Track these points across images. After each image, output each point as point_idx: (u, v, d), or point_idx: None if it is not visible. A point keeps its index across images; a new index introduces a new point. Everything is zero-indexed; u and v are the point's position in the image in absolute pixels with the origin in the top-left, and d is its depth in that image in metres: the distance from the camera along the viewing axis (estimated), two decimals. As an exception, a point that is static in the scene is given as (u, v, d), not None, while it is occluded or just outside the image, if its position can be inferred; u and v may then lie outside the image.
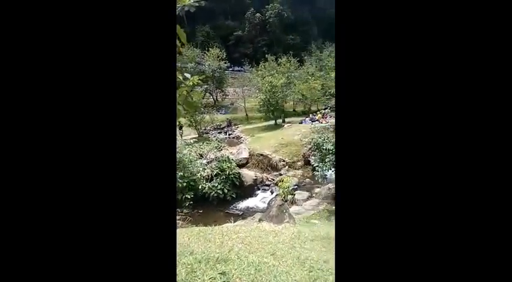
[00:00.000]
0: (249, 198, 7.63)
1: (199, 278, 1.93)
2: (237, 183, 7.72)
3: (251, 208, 7.07)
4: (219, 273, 2.00)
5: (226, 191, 7.23)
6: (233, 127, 15.76)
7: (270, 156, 9.40)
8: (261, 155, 9.53)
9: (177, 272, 2.00)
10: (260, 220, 4.53)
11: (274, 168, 9.17)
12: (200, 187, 7.06)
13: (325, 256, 2.40)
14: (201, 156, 8.24)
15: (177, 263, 2.13)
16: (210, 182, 7.25)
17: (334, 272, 1.86)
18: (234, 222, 4.75)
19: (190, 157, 7.42)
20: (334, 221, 4.71)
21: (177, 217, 5.42)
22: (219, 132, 14.93)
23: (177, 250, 2.33)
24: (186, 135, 12.61)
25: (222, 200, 7.18)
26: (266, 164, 9.31)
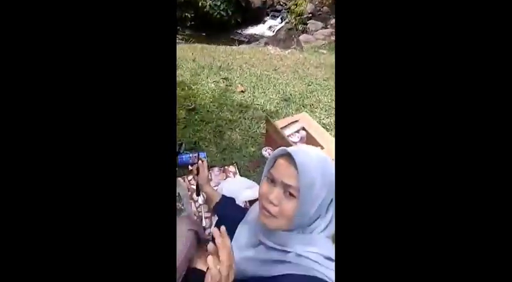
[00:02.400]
0: (256, 25, 6.95)
1: (203, 80, 2.04)
2: (243, 4, 6.70)
3: (257, 35, 6.61)
4: (221, 78, 2.09)
5: (230, 13, 6.42)
6: None
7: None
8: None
9: (182, 74, 2.10)
10: (266, 43, 4.32)
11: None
12: (200, 4, 6.18)
13: (325, 76, 2.44)
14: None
15: (181, 67, 2.18)
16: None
17: (333, 88, 1.88)
18: (238, 45, 4.57)
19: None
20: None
21: (179, 37, 5.12)
22: None
23: (179, 57, 2.33)
24: None
25: (226, 23, 6.55)
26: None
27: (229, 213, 0.92)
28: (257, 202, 0.63)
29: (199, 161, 0.97)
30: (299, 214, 0.54)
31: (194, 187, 1.39)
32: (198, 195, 1.07)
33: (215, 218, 1.27)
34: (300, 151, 0.57)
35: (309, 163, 0.54)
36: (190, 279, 0.99)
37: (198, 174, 0.97)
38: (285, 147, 0.58)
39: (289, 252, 0.55)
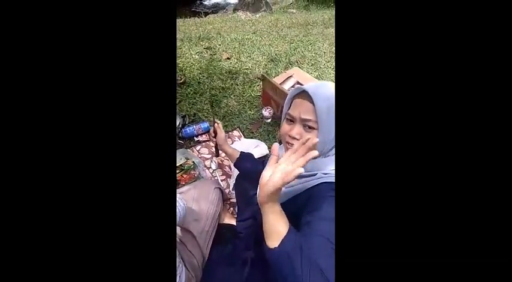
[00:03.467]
0: (218, -7, 6.53)
1: (186, 53, 1.98)
2: (200, -30, 6.21)
3: (221, 3, 6.25)
4: (204, 48, 2.04)
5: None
6: None
7: None
8: None
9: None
10: (235, 10, 4.14)
11: None
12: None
13: (300, 34, 2.43)
14: None
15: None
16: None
17: (314, 43, 1.88)
18: (205, 16, 4.34)
19: None
20: (311, 10, 4.46)
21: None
22: None
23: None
24: None
25: (186, -6, 6.09)
26: None
27: (249, 166, 0.98)
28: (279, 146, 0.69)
29: (215, 124, 1.01)
30: (320, 142, 0.59)
31: (205, 156, 1.44)
32: (217, 156, 1.11)
33: (231, 181, 1.34)
34: (314, 85, 0.61)
35: (323, 94, 0.58)
36: (221, 233, 1.08)
37: (215, 136, 1.01)
38: (299, 86, 0.62)
39: (315, 173, 0.61)
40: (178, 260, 0.79)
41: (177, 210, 0.76)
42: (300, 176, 0.65)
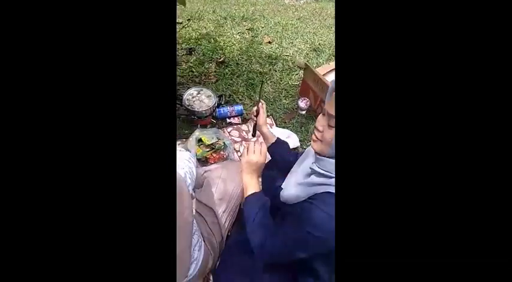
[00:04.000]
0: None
1: (228, 32, 1.95)
2: None
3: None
4: (246, 29, 1.99)
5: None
6: None
7: None
8: None
9: (205, 26, 1.99)
10: (279, -8, 3.97)
11: None
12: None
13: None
14: None
15: (203, 18, 2.06)
16: None
17: None
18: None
19: None
20: None
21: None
22: None
23: (199, 9, 2.18)
24: None
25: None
26: None
27: (281, 154, 0.97)
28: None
29: (260, 103, 0.99)
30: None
31: (235, 139, 1.44)
32: (253, 135, 1.10)
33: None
34: None
35: None
36: (241, 219, 1.08)
37: (257, 115, 1.00)
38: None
39: (332, 177, 0.60)
40: (197, 234, 0.80)
41: (183, 171, 0.72)
42: (317, 174, 0.63)
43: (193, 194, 0.76)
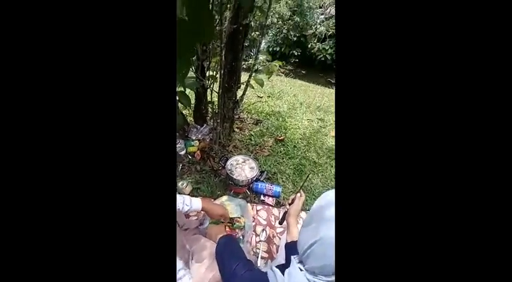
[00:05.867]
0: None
1: (298, 115, 2.04)
2: (351, 52, 6.76)
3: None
4: (317, 118, 2.05)
5: (334, 58, 6.56)
6: None
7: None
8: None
9: (280, 105, 2.16)
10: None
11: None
12: (310, 46, 6.56)
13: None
14: (320, 7, 7.04)
15: (281, 98, 2.25)
16: (321, 42, 6.56)
17: None
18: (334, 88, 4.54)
19: (310, 3, 6.41)
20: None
21: (281, 70, 5.48)
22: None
23: (281, 90, 2.42)
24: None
25: (328, 66, 6.70)
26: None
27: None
28: None
29: (299, 193, 0.92)
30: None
31: (260, 220, 1.33)
32: (280, 223, 1.01)
33: (271, 263, 1.15)
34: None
35: (325, 196, 0.56)
36: None
37: (291, 203, 0.92)
38: None
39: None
40: None
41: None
42: None
43: None
